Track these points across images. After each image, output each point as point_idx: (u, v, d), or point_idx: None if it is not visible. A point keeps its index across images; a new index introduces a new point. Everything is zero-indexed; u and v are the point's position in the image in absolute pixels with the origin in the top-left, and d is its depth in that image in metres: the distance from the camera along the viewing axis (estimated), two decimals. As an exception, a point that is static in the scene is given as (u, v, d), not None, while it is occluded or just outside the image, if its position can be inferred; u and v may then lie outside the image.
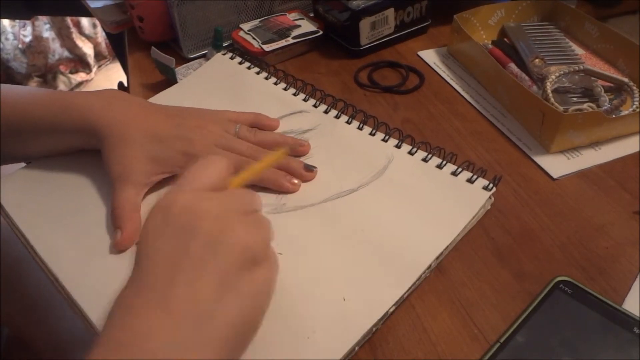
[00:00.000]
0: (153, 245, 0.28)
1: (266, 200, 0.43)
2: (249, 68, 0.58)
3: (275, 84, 0.55)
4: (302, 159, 0.46)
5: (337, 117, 0.50)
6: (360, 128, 0.48)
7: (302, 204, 0.42)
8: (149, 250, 0.28)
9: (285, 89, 0.54)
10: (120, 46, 1.06)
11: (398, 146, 0.46)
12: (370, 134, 0.48)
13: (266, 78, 0.56)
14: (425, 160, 0.44)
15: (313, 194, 0.43)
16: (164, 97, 0.56)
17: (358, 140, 0.47)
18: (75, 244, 0.41)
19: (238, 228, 0.28)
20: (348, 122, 0.49)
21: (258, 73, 0.57)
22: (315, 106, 0.51)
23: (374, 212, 0.41)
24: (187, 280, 0.26)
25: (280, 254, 0.38)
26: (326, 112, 0.51)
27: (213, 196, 0.29)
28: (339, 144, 0.47)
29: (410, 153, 0.45)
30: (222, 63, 0.60)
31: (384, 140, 0.47)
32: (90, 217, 0.43)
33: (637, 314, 0.33)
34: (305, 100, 0.52)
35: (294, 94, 0.53)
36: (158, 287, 0.26)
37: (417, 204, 0.41)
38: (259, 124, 0.48)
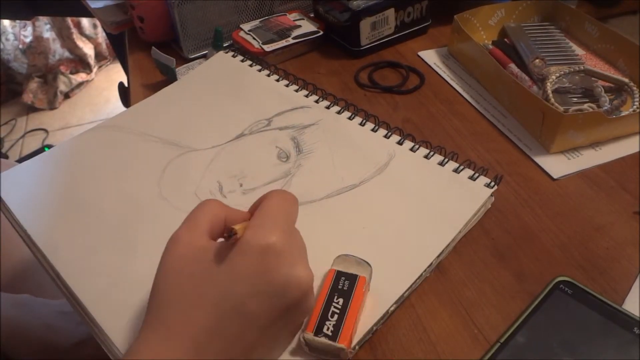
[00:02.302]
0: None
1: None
2: (250, 66, 0.58)
3: (277, 81, 0.55)
4: (303, 153, 0.46)
5: (339, 113, 0.50)
6: (362, 124, 0.48)
7: (303, 200, 0.42)
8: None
9: (286, 86, 0.54)
10: (120, 46, 1.06)
11: (400, 143, 0.46)
12: (373, 130, 0.48)
13: (268, 75, 0.56)
14: (427, 157, 0.44)
15: (314, 190, 0.43)
16: (165, 95, 0.56)
17: (360, 136, 0.47)
18: (77, 240, 0.41)
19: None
20: (350, 118, 0.49)
21: (260, 71, 0.57)
22: (317, 102, 0.52)
23: (375, 208, 0.41)
24: None
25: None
26: (328, 107, 0.51)
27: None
28: (341, 140, 0.47)
29: (412, 150, 0.45)
30: (224, 60, 0.60)
31: (386, 137, 0.47)
32: (92, 213, 0.43)
33: (637, 314, 0.33)
34: (307, 96, 0.52)
35: (296, 91, 0.53)
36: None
37: (419, 200, 0.41)
38: None
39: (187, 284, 0.28)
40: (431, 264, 0.37)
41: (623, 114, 0.47)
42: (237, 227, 0.29)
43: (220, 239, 0.30)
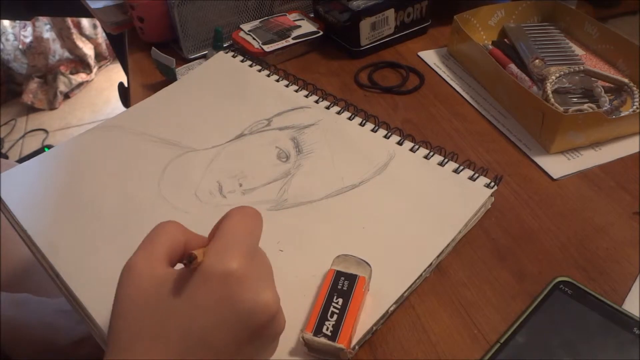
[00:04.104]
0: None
1: (267, 196, 0.43)
2: (250, 66, 0.58)
3: (277, 81, 0.55)
4: (303, 153, 0.46)
5: (339, 113, 0.50)
6: (362, 125, 0.48)
7: (303, 200, 0.42)
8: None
9: (286, 86, 0.54)
10: (120, 47, 1.06)
11: (400, 143, 0.46)
12: (372, 130, 0.48)
13: (268, 76, 0.56)
14: (427, 157, 0.44)
15: (314, 190, 0.43)
16: (165, 95, 0.56)
17: (360, 137, 0.47)
18: (77, 240, 0.41)
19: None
20: (350, 119, 0.49)
21: (260, 71, 0.57)
22: (316, 102, 0.52)
23: (375, 208, 0.41)
24: None
25: (281, 250, 0.38)
26: (328, 108, 0.51)
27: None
28: (341, 140, 0.47)
29: (412, 150, 0.45)
30: (224, 61, 0.60)
31: (385, 137, 0.47)
32: (92, 213, 0.43)
33: (637, 315, 0.33)
34: (307, 96, 0.53)
35: (296, 91, 0.53)
36: None
37: (419, 201, 0.41)
38: None
39: (147, 320, 0.27)
40: (431, 264, 0.37)
41: (623, 114, 0.47)
42: (196, 252, 0.27)
43: (179, 265, 0.29)
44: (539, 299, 0.34)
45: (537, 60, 0.53)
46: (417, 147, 0.45)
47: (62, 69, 2.10)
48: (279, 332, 0.29)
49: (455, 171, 0.43)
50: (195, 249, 0.28)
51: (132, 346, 0.26)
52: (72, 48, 2.11)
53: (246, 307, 0.26)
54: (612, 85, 0.50)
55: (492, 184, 0.41)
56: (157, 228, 0.30)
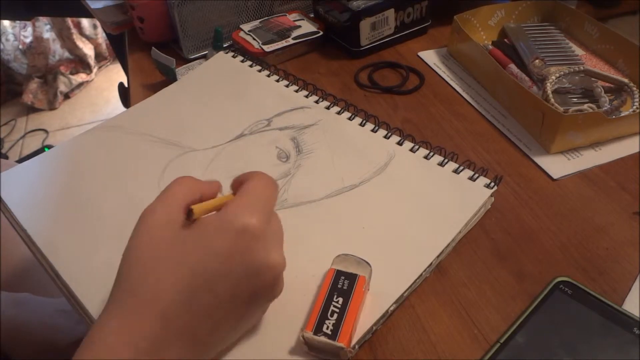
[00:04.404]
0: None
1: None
2: (250, 66, 0.58)
3: (277, 81, 0.55)
4: (303, 153, 0.46)
5: (339, 113, 0.50)
6: (362, 125, 0.48)
7: (303, 199, 0.42)
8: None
9: (287, 86, 0.54)
10: (120, 47, 1.06)
11: (400, 143, 0.46)
12: (372, 130, 0.48)
13: (268, 76, 0.56)
14: (427, 157, 0.44)
15: (314, 190, 0.43)
16: (165, 95, 0.56)
17: (360, 137, 0.47)
18: (77, 240, 0.41)
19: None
20: (350, 119, 0.49)
21: (260, 71, 0.57)
22: (317, 102, 0.52)
23: (375, 208, 0.41)
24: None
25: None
26: (328, 108, 0.51)
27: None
28: (341, 140, 0.47)
29: (412, 150, 0.45)
30: (224, 61, 0.60)
31: (385, 137, 0.47)
32: (92, 213, 0.43)
33: (637, 315, 0.33)
34: (307, 97, 0.53)
35: (296, 91, 0.53)
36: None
37: (418, 201, 0.41)
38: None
39: (163, 251, 0.28)
40: (431, 264, 0.37)
41: (623, 114, 0.47)
42: (195, 207, 0.29)
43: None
44: (539, 299, 0.34)
45: (537, 60, 0.53)
46: (417, 147, 0.45)
47: (62, 69, 2.10)
48: (276, 295, 0.31)
49: (455, 171, 0.43)
50: (209, 199, 0.31)
51: (145, 275, 0.28)
52: (72, 48, 2.11)
53: (255, 264, 0.28)
54: (612, 85, 0.50)
55: (492, 184, 0.41)
56: (175, 182, 0.32)
